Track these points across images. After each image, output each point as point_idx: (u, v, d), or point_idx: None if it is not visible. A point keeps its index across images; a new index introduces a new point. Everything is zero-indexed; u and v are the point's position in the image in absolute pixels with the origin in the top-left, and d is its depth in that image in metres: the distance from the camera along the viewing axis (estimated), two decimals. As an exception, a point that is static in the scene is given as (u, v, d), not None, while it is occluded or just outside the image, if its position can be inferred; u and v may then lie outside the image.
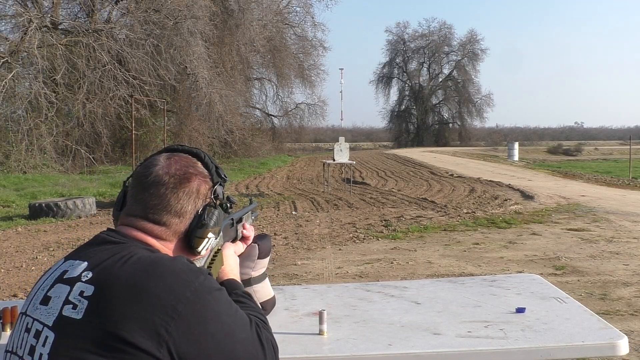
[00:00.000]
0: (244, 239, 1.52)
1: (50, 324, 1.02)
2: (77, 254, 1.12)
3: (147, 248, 1.13)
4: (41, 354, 1.01)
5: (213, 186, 1.22)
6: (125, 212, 1.18)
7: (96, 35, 19.57)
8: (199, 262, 1.23)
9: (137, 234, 1.14)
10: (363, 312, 1.75)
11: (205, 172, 1.21)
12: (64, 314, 1.01)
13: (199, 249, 1.19)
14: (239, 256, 1.46)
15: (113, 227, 1.20)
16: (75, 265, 1.08)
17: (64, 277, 1.06)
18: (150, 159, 1.20)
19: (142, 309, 0.99)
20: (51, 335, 1.01)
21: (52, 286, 1.07)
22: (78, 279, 1.04)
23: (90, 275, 1.04)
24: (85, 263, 1.07)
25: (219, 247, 1.32)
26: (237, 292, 1.26)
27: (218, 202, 1.22)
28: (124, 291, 1.00)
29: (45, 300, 1.06)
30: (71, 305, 1.01)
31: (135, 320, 0.98)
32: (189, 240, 1.18)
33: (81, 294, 1.02)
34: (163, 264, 1.06)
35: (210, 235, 1.19)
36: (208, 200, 1.20)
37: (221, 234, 1.34)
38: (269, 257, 1.71)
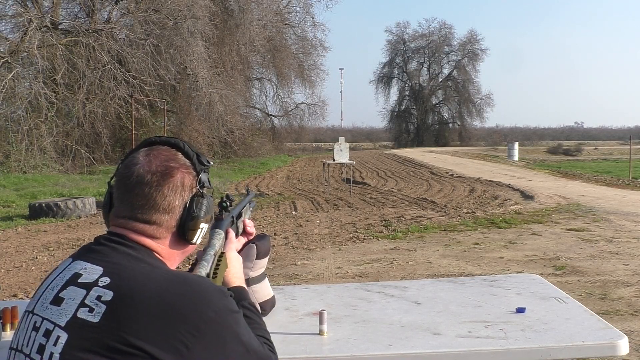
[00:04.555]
0: (246, 234, 1.52)
1: (62, 324, 1.02)
2: (85, 256, 1.12)
3: (153, 255, 1.14)
4: (52, 353, 1.01)
5: (197, 175, 1.20)
6: (114, 214, 1.17)
7: (96, 35, 19.56)
8: (204, 269, 1.23)
9: (134, 236, 1.14)
10: (363, 312, 1.75)
11: (187, 162, 1.19)
12: (78, 316, 1.02)
13: (194, 240, 1.19)
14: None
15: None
16: (89, 270, 1.07)
17: (79, 281, 1.06)
18: (130, 158, 1.18)
19: (165, 323, 1.00)
20: (64, 335, 1.01)
21: (63, 287, 1.07)
22: (95, 283, 1.05)
23: (107, 280, 1.04)
24: (100, 268, 1.07)
25: (223, 250, 1.32)
26: (244, 303, 1.26)
27: (205, 190, 1.21)
28: (148, 303, 1.01)
29: (57, 301, 1.06)
30: (87, 309, 1.02)
31: (156, 333, 0.99)
32: (183, 233, 1.18)
33: (98, 298, 1.02)
34: (190, 282, 1.07)
35: (202, 225, 1.19)
36: (195, 190, 1.19)
37: (222, 234, 1.34)
38: (267, 257, 1.70)
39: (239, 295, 1.28)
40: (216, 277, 1.24)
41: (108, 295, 1.02)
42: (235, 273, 1.34)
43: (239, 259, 1.40)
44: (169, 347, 0.99)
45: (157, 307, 1.01)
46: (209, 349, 1.02)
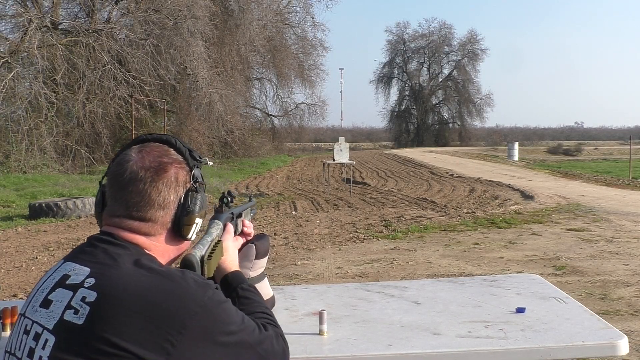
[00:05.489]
0: (243, 234, 1.53)
1: (50, 328, 1.02)
2: (75, 257, 1.11)
3: (143, 252, 1.12)
4: (41, 357, 1.00)
5: (190, 170, 1.19)
6: (107, 213, 1.16)
7: (96, 35, 19.57)
8: (200, 251, 1.22)
9: (126, 234, 1.13)
10: (363, 312, 1.74)
11: (180, 157, 1.19)
12: (65, 318, 1.01)
13: (189, 235, 1.19)
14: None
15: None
16: (77, 271, 1.07)
17: (66, 283, 1.06)
18: (122, 155, 1.17)
19: (150, 322, 0.99)
20: (51, 339, 1.01)
21: (52, 290, 1.07)
22: (81, 285, 1.04)
23: (93, 281, 1.04)
24: (87, 269, 1.06)
25: (219, 239, 1.33)
26: (243, 285, 1.27)
27: (198, 185, 1.20)
28: (131, 302, 1.00)
29: (46, 304, 1.05)
30: (73, 310, 1.01)
31: (140, 332, 0.98)
32: (178, 229, 1.17)
33: (83, 299, 1.02)
34: (172, 279, 1.06)
35: (197, 220, 1.19)
36: (188, 185, 1.18)
37: (220, 225, 1.34)
38: (267, 257, 1.70)
39: (237, 279, 1.29)
40: (210, 259, 1.23)
41: (92, 296, 1.01)
42: (232, 260, 1.35)
43: (236, 248, 1.41)
44: (155, 346, 0.98)
45: (140, 306, 1.00)
46: (197, 344, 1.01)
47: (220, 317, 1.06)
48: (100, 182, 1.21)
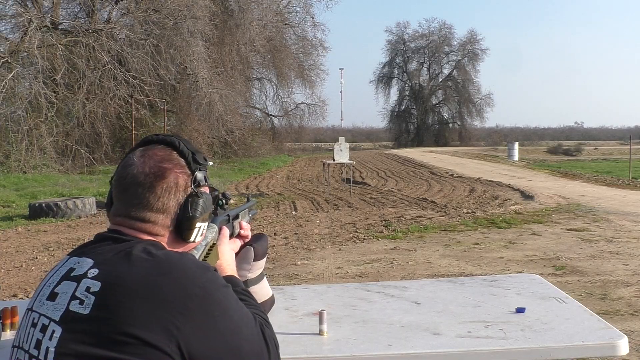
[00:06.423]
0: (240, 236, 1.52)
1: (57, 319, 1.03)
2: (80, 252, 1.14)
3: (146, 242, 1.13)
4: (47, 348, 1.02)
5: (192, 174, 1.19)
6: (112, 212, 1.19)
7: (96, 35, 19.56)
8: (195, 255, 1.23)
9: (131, 231, 1.15)
10: (363, 312, 1.75)
11: (182, 161, 1.19)
12: (70, 309, 1.03)
13: (191, 239, 1.19)
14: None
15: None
16: (82, 263, 1.09)
17: (71, 275, 1.08)
18: (127, 158, 1.19)
19: (152, 305, 1.00)
20: (58, 330, 1.02)
21: (58, 283, 1.08)
22: (84, 275, 1.06)
23: (96, 272, 1.05)
24: (91, 261, 1.08)
25: (214, 242, 1.33)
26: (237, 289, 1.27)
27: (201, 189, 1.20)
28: (133, 288, 1.02)
29: (52, 296, 1.07)
30: (78, 301, 1.03)
31: (144, 316, 0.99)
32: (180, 233, 1.18)
33: (87, 289, 1.03)
34: (171, 261, 1.07)
35: (199, 224, 1.19)
36: (190, 190, 1.18)
37: (216, 228, 1.34)
38: (265, 258, 1.70)
39: (231, 283, 1.28)
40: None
41: (96, 285, 1.03)
42: (228, 265, 1.36)
43: (232, 252, 1.41)
44: (160, 329, 0.99)
45: (143, 291, 1.01)
46: (200, 326, 1.02)
47: (221, 302, 1.07)
48: (110, 181, 1.23)
